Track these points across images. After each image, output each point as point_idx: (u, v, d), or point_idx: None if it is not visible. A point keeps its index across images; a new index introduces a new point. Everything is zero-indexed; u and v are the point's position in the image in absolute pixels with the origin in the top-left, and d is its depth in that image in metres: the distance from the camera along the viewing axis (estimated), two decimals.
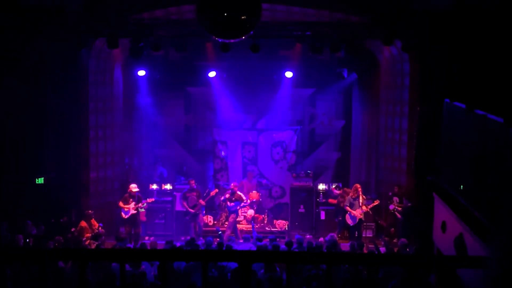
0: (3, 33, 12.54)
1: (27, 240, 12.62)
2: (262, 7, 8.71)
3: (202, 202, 15.41)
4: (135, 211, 14.84)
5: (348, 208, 14.71)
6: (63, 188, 14.96)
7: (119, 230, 15.10)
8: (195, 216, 15.39)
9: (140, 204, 14.91)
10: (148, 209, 15.38)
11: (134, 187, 14.99)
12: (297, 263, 8.88)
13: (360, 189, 14.78)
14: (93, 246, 12.38)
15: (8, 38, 12.75)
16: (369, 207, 14.77)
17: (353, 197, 14.73)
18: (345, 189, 15.60)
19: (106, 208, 15.93)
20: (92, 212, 14.30)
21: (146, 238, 15.03)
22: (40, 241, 12.65)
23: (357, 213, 14.60)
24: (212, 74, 16.94)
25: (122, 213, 14.85)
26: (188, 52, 14.83)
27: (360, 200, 14.65)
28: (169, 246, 11.98)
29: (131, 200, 14.88)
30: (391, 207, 14.60)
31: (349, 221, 14.75)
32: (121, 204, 14.90)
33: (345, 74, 16.85)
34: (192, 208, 15.35)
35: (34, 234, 13.38)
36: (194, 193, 15.56)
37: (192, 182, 15.77)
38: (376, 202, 14.90)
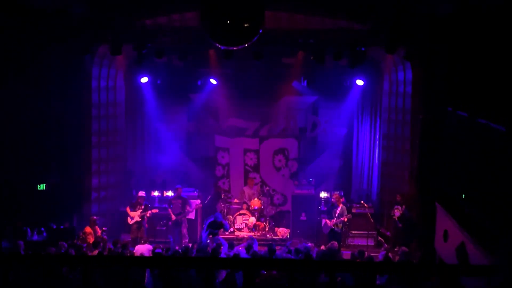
0: (5, 36, 12.53)
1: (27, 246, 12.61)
2: (265, 15, 8.74)
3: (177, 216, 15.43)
4: (140, 219, 14.98)
5: (325, 215, 14.89)
6: (65, 194, 14.97)
7: (119, 237, 15.08)
8: (177, 224, 15.43)
9: (145, 213, 15.04)
10: (150, 216, 15.37)
11: (142, 195, 15.36)
12: (298, 271, 8.84)
13: (338, 198, 14.77)
14: (91, 253, 12.33)
15: (10, 41, 12.74)
16: (335, 221, 14.51)
17: (333, 205, 14.77)
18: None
19: (108, 214, 15.93)
20: (97, 218, 14.37)
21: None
22: (42, 247, 12.62)
23: (330, 222, 14.56)
24: (214, 81, 16.98)
25: (128, 218, 15.09)
26: (191, 59, 14.83)
27: (338, 211, 14.59)
28: (170, 253, 11.96)
29: (138, 206, 15.06)
30: (397, 213, 14.45)
31: (324, 229, 14.84)
32: (128, 210, 15.13)
33: (348, 82, 16.86)
34: (176, 215, 15.40)
35: (35, 240, 13.37)
36: (180, 201, 15.64)
37: (179, 189, 15.84)
38: (344, 219, 14.59)
